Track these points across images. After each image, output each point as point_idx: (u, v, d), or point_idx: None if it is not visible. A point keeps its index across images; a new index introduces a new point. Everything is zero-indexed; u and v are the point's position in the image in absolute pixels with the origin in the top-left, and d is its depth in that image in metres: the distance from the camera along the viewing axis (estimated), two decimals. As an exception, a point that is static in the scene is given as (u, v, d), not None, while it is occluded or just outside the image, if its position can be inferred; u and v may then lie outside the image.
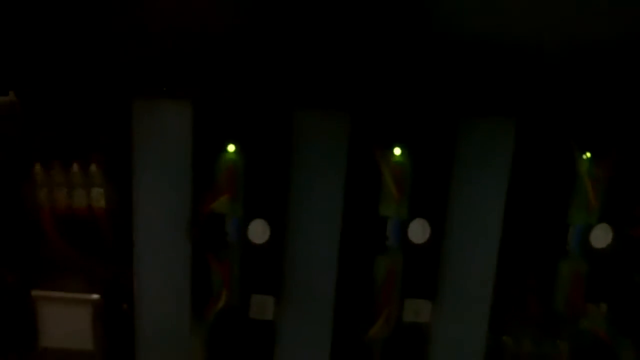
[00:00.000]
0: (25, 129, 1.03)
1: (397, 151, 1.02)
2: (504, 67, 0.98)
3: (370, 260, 1.06)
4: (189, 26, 0.96)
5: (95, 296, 1.08)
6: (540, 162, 1.04)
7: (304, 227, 1.04)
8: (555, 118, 1.02)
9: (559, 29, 0.96)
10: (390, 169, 1.01)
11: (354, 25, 0.96)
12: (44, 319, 1.08)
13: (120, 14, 0.96)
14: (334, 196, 1.03)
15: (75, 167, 1.03)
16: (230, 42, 0.97)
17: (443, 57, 0.97)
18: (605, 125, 1.03)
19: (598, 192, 1.03)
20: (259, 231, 1.01)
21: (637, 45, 0.97)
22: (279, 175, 1.02)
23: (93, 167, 1.04)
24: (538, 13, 0.96)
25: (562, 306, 1.09)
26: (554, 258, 1.07)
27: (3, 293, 1.09)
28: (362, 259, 1.06)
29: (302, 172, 1.02)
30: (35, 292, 1.08)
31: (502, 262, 1.07)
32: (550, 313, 1.10)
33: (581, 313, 1.09)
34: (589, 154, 1.03)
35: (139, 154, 1.02)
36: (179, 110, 1.00)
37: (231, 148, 1.01)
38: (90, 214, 1.05)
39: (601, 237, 1.04)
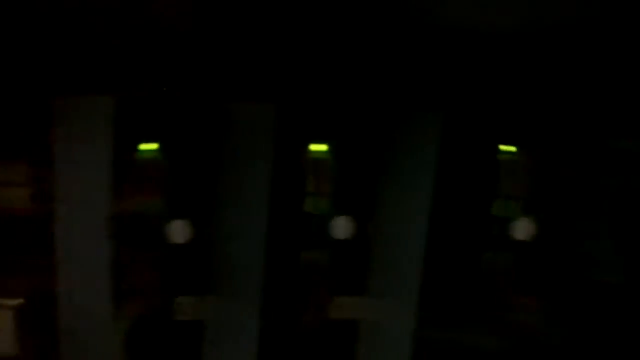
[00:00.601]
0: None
1: (321, 146, 1.02)
2: (430, 61, 0.98)
3: (297, 256, 1.05)
4: (110, 22, 0.96)
5: (18, 300, 1.05)
6: (465, 154, 1.04)
7: (229, 224, 1.03)
8: (481, 111, 1.03)
9: (482, 22, 0.97)
10: (314, 164, 1.01)
11: (276, 19, 0.96)
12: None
13: (40, 11, 0.95)
14: (260, 192, 1.03)
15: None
16: (152, 37, 0.96)
17: (368, 50, 0.97)
18: (530, 117, 1.04)
19: (522, 184, 1.04)
20: (180, 230, 1.00)
21: (560, 37, 0.98)
22: (202, 172, 1.01)
23: (16, 167, 1.02)
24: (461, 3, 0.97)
25: (491, 298, 1.09)
26: (481, 250, 1.08)
27: None
28: (289, 255, 1.05)
29: (227, 168, 1.01)
30: (-45, 297, 1.05)
31: (429, 255, 1.07)
32: (479, 305, 1.10)
33: (511, 305, 1.10)
34: (512, 146, 1.04)
35: (60, 153, 1.00)
36: (100, 108, 0.99)
37: (153, 145, 1.00)
38: (13, 214, 1.03)
39: (524, 229, 1.04)
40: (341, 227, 1.03)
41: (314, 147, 1.02)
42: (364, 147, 1.02)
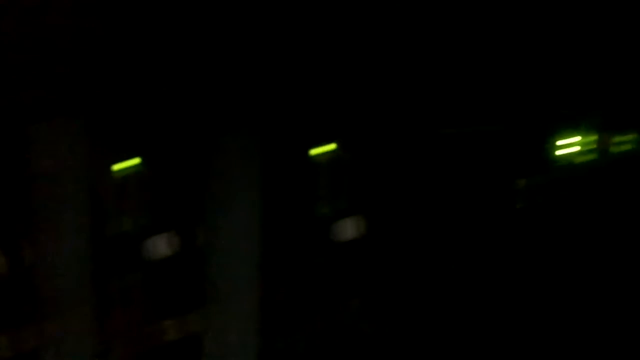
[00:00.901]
0: None
1: (134, 161, 0.99)
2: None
3: (122, 277, 1.02)
4: None
5: None
6: (283, 162, 1.03)
7: (48, 250, 0.98)
8: (292, 119, 1.02)
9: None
10: (127, 181, 0.98)
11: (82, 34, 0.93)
12: None
13: None
14: (77, 213, 0.98)
15: None
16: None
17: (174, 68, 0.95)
18: (349, 117, 1.03)
19: (344, 183, 1.04)
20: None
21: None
22: (12, 196, 0.96)
23: None
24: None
25: (319, 301, 1.08)
26: (312, 253, 1.07)
27: None
28: (115, 277, 1.02)
29: (39, 190, 0.96)
30: None
31: (264, 264, 1.05)
32: (308, 308, 1.09)
33: (337, 307, 1.09)
34: (333, 145, 1.03)
35: None
36: None
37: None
38: None
39: (350, 228, 1.04)
40: (163, 244, 1.00)
41: (126, 163, 0.99)
42: (181, 160, 1.00)
